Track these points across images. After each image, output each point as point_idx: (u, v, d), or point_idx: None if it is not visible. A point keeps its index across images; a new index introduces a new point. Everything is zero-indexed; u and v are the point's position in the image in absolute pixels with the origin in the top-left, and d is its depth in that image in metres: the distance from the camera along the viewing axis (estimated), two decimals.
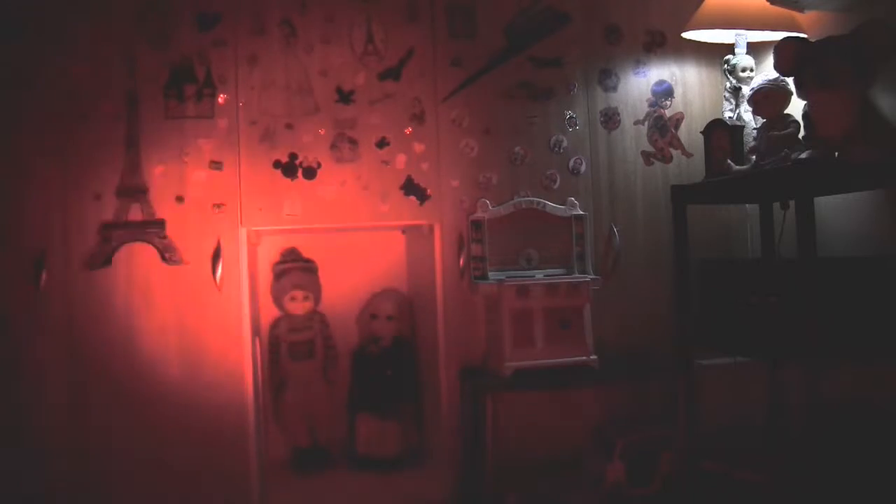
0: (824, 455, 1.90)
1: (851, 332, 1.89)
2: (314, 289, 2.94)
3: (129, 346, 2.35)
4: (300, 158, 2.47)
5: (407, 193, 2.53)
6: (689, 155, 2.69)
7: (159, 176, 2.39)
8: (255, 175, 2.44)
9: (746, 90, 2.40)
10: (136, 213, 2.37)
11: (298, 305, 2.90)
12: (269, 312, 2.92)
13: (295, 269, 2.93)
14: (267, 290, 2.93)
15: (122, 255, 2.36)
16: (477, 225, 2.52)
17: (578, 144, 2.64)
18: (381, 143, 2.51)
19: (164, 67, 2.40)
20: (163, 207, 2.39)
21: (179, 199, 2.39)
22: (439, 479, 2.55)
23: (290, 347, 2.89)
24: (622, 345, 2.59)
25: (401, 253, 3.10)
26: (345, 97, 2.50)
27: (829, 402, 1.91)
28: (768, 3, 2.40)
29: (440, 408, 2.53)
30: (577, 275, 2.53)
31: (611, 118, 2.67)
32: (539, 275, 2.52)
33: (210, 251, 2.39)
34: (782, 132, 2.14)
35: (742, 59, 2.49)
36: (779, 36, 2.12)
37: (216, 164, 2.42)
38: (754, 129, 2.31)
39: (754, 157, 2.22)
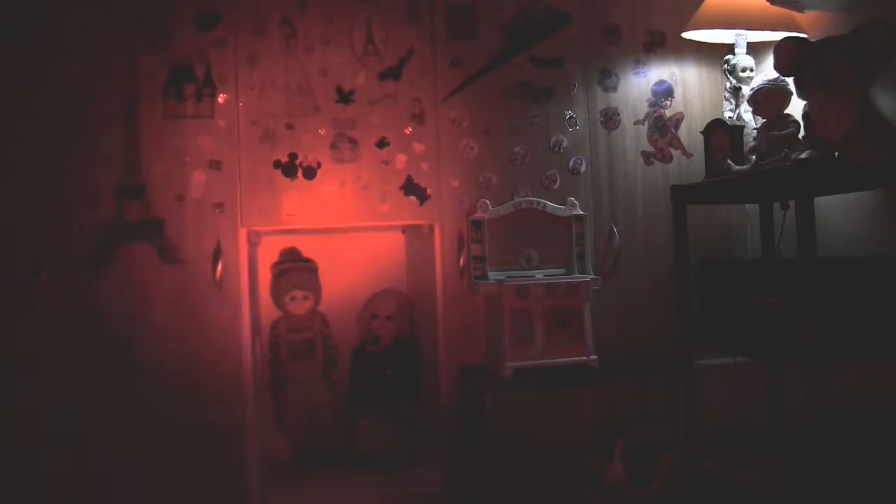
0: (824, 455, 1.90)
1: (851, 332, 1.89)
2: (314, 289, 2.94)
3: (128, 347, 2.35)
4: (300, 158, 2.47)
5: (407, 193, 2.53)
6: (689, 155, 2.69)
7: (159, 176, 2.39)
8: (255, 175, 2.44)
9: (746, 90, 2.39)
10: (135, 213, 2.37)
11: (298, 305, 2.91)
12: (269, 312, 2.92)
13: (295, 269, 2.93)
14: (267, 290, 2.93)
15: (121, 256, 2.36)
16: (477, 225, 2.52)
17: (578, 144, 2.64)
18: (381, 143, 2.51)
19: (164, 67, 2.40)
20: (162, 207, 2.39)
21: (179, 198, 2.39)
22: (439, 479, 2.55)
23: (290, 347, 2.89)
24: (622, 345, 2.59)
25: (401, 253, 3.10)
26: (345, 97, 2.50)
27: (829, 402, 1.91)
28: (768, 3, 2.40)
29: (440, 408, 2.53)
30: (577, 275, 2.53)
31: (611, 118, 2.67)
32: (539, 275, 2.52)
33: (210, 251, 2.39)
34: (782, 132, 2.14)
35: (742, 59, 2.49)
36: (779, 36, 2.12)
37: (216, 164, 2.42)
38: (754, 129, 2.31)
39: (754, 157, 2.22)
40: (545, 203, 2.57)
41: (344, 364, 2.98)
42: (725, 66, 2.53)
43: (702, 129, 2.42)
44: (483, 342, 2.54)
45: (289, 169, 2.46)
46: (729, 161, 2.27)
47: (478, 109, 2.57)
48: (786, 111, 2.20)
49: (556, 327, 2.43)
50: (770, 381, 2.54)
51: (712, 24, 2.47)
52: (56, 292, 2.31)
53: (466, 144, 2.57)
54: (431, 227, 2.58)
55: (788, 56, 2.01)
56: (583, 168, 2.64)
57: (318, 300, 2.95)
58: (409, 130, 2.53)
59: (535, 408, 2.58)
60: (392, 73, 2.53)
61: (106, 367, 2.33)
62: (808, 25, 2.40)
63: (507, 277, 2.46)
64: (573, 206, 2.58)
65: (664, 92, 2.70)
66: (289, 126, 2.46)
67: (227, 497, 2.37)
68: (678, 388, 2.43)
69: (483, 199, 2.53)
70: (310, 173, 2.47)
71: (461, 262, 2.53)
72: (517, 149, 2.60)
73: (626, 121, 2.67)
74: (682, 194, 2.40)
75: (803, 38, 2.11)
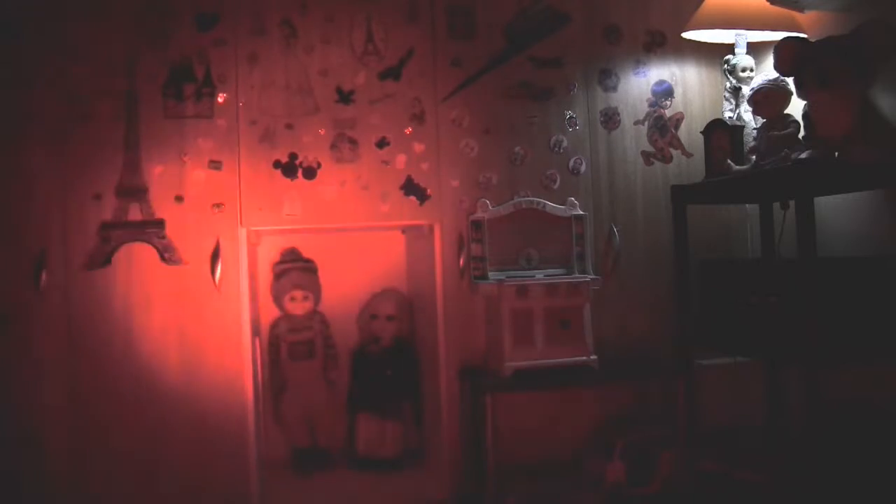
0: (824, 455, 1.90)
1: (851, 332, 1.90)
2: (314, 289, 2.94)
3: (128, 347, 2.35)
4: (300, 158, 2.47)
5: (407, 193, 2.53)
6: (689, 155, 2.69)
7: (159, 176, 2.39)
8: (255, 175, 2.44)
9: (746, 90, 2.40)
10: (135, 213, 2.37)
11: (298, 305, 2.90)
12: (269, 312, 2.92)
13: (295, 269, 2.93)
14: (267, 290, 2.93)
15: (121, 255, 2.36)
16: (477, 225, 2.52)
17: (578, 144, 2.64)
18: (381, 143, 2.51)
19: (164, 67, 2.40)
20: (162, 207, 2.39)
21: (179, 198, 2.39)
22: (439, 479, 2.55)
23: (290, 347, 2.89)
24: (622, 345, 2.59)
25: (401, 253, 3.09)
26: (345, 97, 2.50)
27: (829, 402, 1.91)
28: (768, 3, 2.40)
29: (440, 408, 2.53)
30: (577, 275, 2.53)
31: (611, 118, 2.67)
32: (539, 275, 2.52)
33: (209, 251, 2.39)
34: (782, 132, 2.14)
35: (742, 59, 2.49)
36: (779, 36, 2.12)
37: (216, 164, 2.42)
38: (754, 129, 2.31)
39: (754, 157, 2.22)
40: (545, 203, 2.57)
41: (344, 364, 2.98)
42: (725, 66, 2.53)
43: (702, 129, 2.42)
44: (483, 342, 2.54)
45: (289, 169, 2.46)
46: (729, 161, 2.27)
47: (478, 109, 2.57)
48: (786, 111, 2.20)
49: (556, 327, 2.43)
50: (770, 381, 2.54)
51: (712, 24, 2.47)
52: (56, 292, 2.31)
53: (466, 144, 2.57)
54: (431, 227, 2.58)
55: (788, 56, 2.01)
56: (583, 168, 2.64)
57: (318, 300, 2.95)
58: (409, 130, 2.53)
59: (535, 408, 2.59)
60: (392, 73, 2.53)
61: (106, 367, 2.33)
62: (808, 25, 2.40)
63: (507, 277, 2.46)
64: (573, 206, 2.58)
65: (664, 92, 2.70)
66: (289, 126, 2.46)
67: (227, 497, 2.37)
68: (678, 388, 2.43)
69: (483, 199, 2.53)
70: (310, 173, 2.47)
71: (461, 262, 2.53)
72: (517, 149, 2.60)
73: (626, 121, 2.67)
74: (682, 194, 2.40)
75: (803, 38, 2.11)
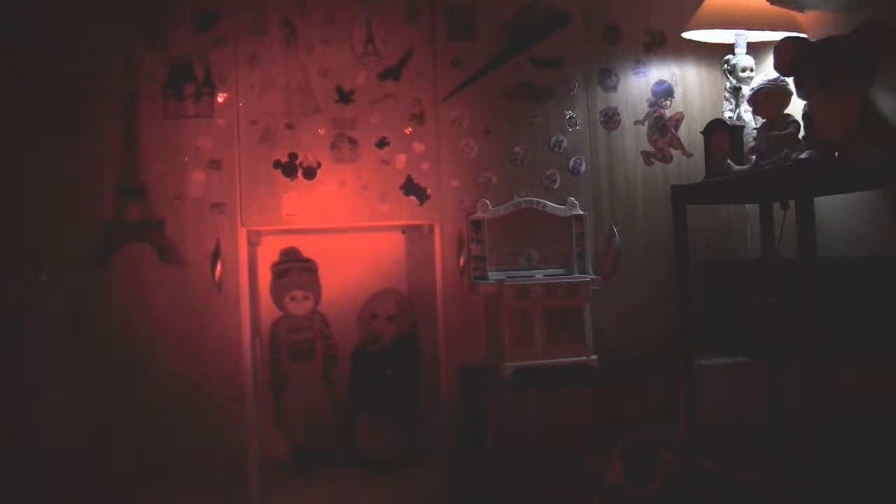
0: (824, 455, 1.90)
1: (851, 332, 1.89)
2: (314, 289, 2.94)
3: (127, 347, 2.35)
4: (300, 158, 2.47)
5: (407, 193, 2.53)
6: (689, 155, 2.69)
7: (158, 176, 2.39)
8: (255, 175, 2.44)
9: (746, 90, 2.39)
10: (135, 213, 2.37)
11: (298, 305, 2.90)
12: (269, 312, 2.92)
13: (295, 269, 2.93)
14: (267, 290, 2.93)
15: (121, 256, 2.36)
16: (477, 225, 2.52)
17: (578, 144, 2.64)
18: (381, 143, 2.51)
19: (163, 66, 2.40)
20: (162, 207, 2.39)
21: (179, 198, 2.39)
22: (439, 479, 2.55)
23: (290, 347, 2.89)
24: (622, 345, 2.59)
25: (401, 253, 3.10)
26: (345, 97, 2.50)
27: (829, 402, 1.91)
28: (768, 3, 2.40)
29: (440, 408, 2.53)
30: (577, 275, 2.53)
31: (611, 118, 2.67)
32: (539, 275, 2.52)
33: (209, 251, 2.39)
34: (782, 132, 2.14)
35: (742, 59, 2.49)
36: (779, 36, 2.12)
37: (215, 164, 2.42)
38: (754, 129, 2.31)
39: (754, 157, 2.22)
40: (545, 203, 2.57)
41: (344, 364, 2.98)
42: (725, 66, 2.53)
43: (702, 129, 2.42)
44: (483, 342, 2.54)
45: (289, 169, 2.46)
46: (729, 161, 2.27)
47: (478, 109, 2.57)
48: (786, 111, 2.20)
49: (556, 327, 2.43)
50: (770, 381, 2.54)
51: (712, 24, 2.47)
52: (56, 292, 2.31)
53: (466, 144, 2.57)
54: (431, 227, 2.58)
55: (788, 56, 2.01)
56: (583, 168, 2.64)
57: (318, 300, 2.95)
58: (409, 130, 2.53)
59: (535, 408, 2.59)
60: (392, 73, 2.53)
61: (105, 367, 2.33)
62: (808, 25, 2.40)
63: (507, 277, 2.46)
64: (573, 206, 2.58)
65: (664, 92, 2.70)
66: (289, 126, 2.46)
67: (227, 497, 2.37)
68: (678, 388, 2.43)
69: (483, 199, 2.53)
70: (310, 173, 2.47)
71: (461, 262, 2.53)
72: (517, 149, 2.60)
73: (626, 121, 2.67)
74: (682, 194, 2.40)
75: (803, 38, 2.11)
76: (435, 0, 2.56)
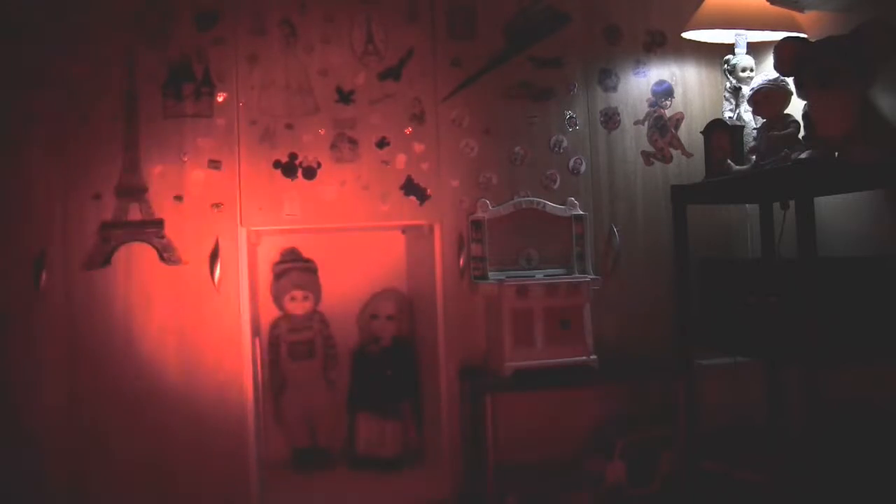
0: (824, 455, 1.90)
1: (851, 332, 1.89)
2: (314, 289, 2.93)
3: (127, 347, 2.35)
4: (300, 158, 2.47)
5: (407, 193, 2.53)
6: (689, 155, 2.69)
7: (158, 175, 2.39)
8: (255, 175, 2.44)
9: (746, 90, 2.40)
10: (135, 213, 2.37)
11: (298, 305, 2.90)
12: (269, 312, 2.92)
13: (295, 269, 2.93)
14: (267, 290, 2.93)
15: (121, 255, 2.36)
16: (477, 225, 2.52)
17: (578, 144, 2.64)
18: (381, 143, 2.51)
19: (163, 66, 2.40)
20: (162, 207, 2.39)
21: (178, 198, 2.39)
22: (439, 479, 2.55)
23: (290, 347, 2.89)
24: (622, 345, 2.59)
25: (401, 253, 3.09)
26: (345, 97, 2.50)
27: (829, 402, 1.91)
28: (768, 3, 2.40)
29: (440, 408, 2.53)
30: (577, 275, 2.53)
31: (611, 118, 2.67)
32: (539, 275, 2.52)
33: (209, 251, 2.39)
34: (782, 132, 2.14)
35: (742, 59, 2.49)
36: (779, 36, 2.12)
37: (215, 164, 2.42)
38: (754, 129, 2.31)
39: (754, 157, 2.22)
40: (545, 203, 2.57)
41: (344, 364, 2.98)
42: (725, 66, 2.53)
43: (702, 129, 2.42)
44: (483, 342, 2.54)
45: (289, 169, 2.46)
46: (729, 161, 2.27)
47: (478, 109, 2.57)
48: (786, 111, 2.20)
49: (556, 327, 2.43)
50: (770, 381, 2.54)
51: (712, 24, 2.47)
52: (56, 292, 2.31)
53: (466, 144, 2.57)
54: (431, 227, 2.58)
55: (788, 56, 2.01)
56: (583, 168, 2.64)
57: (318, 300, 2.95)
58: (409, 130, 2.53)
59: (535, 408, 2.59)
60: (392, 73, 2.53)
61: (105, 367, 2.33)
62: (808, 25, 2.40)
63: (507, 277, 2.46)
64: (573, 206, 2.58)
65: (664, 92, 2.70)
66: (289, 126, 2.46)
67: (227, 497, 2.37)
68: (678, 388, 2.43)
69: (483, 199, 2.53)
70: (310, 173, 2.47)
71: (461, 262, 2.53)
72: (517, 149, 2.60)
73: (626, 121, 2.67)
74: (682, 194, 2.40)
75: (803, 38, 2.11)
76: (435, 0, 2.56)
